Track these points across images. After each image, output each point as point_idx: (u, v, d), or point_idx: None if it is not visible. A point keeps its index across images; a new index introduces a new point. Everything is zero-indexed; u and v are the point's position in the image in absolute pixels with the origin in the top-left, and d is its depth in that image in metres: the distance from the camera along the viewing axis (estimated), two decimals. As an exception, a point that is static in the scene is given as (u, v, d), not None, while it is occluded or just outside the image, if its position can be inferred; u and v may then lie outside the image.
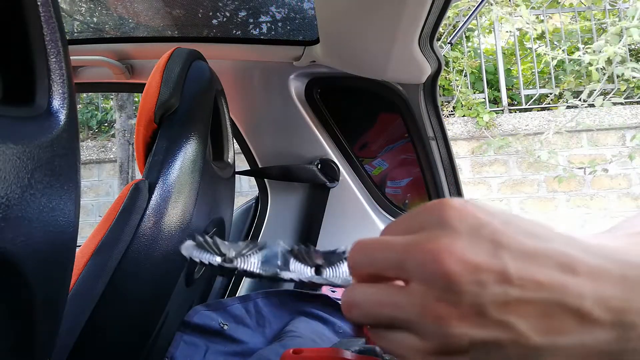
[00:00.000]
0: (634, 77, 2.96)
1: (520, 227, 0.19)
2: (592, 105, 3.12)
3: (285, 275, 0.25)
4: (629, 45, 3.00)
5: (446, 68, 3.36)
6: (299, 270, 0.25)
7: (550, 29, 3.50)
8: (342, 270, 0.26)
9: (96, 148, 3.52)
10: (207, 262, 0.25)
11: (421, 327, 0.18)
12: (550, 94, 3.34)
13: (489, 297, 0.17)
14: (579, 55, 3.06)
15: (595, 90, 3.02)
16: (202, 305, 0.77)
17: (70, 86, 0.32)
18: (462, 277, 0.17)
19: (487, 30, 3.63)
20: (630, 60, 3.04)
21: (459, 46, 3.51)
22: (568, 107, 3.22)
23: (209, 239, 0.25)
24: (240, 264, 0.25)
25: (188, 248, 0.26)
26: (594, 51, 3.03)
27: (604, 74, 3.04)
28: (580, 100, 3.10)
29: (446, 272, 0.18)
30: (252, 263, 0.25)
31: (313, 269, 0.26)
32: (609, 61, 2.95)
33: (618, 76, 3.09)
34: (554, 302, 0.17)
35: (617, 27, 2.88)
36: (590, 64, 3.00)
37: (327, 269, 0.26)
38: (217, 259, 0.25)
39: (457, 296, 0.17)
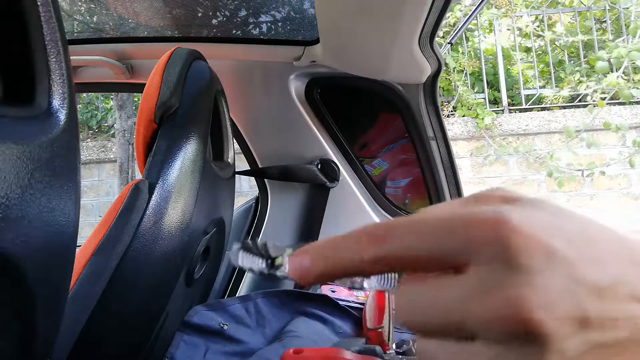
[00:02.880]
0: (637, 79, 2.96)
1: (586, 247, 0.17)
2: (589, 105, 3.12)
3: (341, 281, 0.24)
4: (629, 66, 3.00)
5: (446, 68, 3.36)
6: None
7: (549, 23, 3.50)
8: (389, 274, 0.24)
9: (96, 148, 3.52)
10: (257, 271, 0.24)
11: None
12: (550, 94, 3.34)
13: (572, 346, 0.15)
14: (584, 89, 3.06)
15: (598, 90, 3.02)
16: (202, 305, 0.77)
17: (70, 86, 0.32)
18: (549, 335, 0.15)
19: (487, 30, 3.63)
20: (636, 83, 3.03)
21: (459, 46, 3.51)
22: (568, 106, 3.22)
23: (258, 243, 0.24)
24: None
25: (234, 253, 0.24)
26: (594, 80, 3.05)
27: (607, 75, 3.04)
28: (581, 100, 3.10)
29: (533, 331, 0.15)
30: None
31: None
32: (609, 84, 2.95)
33: (623, 73, 3.08)
34: (629, 339, 0.16)
35: (618, 50, 2.87)
36: (593, 65, 3.01)
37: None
38: (267, 266, 0.24)
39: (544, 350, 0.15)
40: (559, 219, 0.17)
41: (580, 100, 3.22)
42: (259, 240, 0.25)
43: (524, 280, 0.15)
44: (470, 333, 0.16)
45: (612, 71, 2.95)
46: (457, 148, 3.23)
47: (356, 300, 0.83)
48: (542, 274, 0.16)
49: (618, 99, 3.13)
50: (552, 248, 0.16)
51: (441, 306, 0.17)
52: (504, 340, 0.16)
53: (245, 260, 0.23)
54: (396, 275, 0.24)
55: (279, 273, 0.23)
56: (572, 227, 0.17)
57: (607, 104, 3.13)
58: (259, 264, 0.23)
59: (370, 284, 0.23)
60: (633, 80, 3.03)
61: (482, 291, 0.16)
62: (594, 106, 3.09)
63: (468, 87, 3.39)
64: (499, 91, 3.44)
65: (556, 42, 3.43)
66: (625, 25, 3.12)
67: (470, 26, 3.48)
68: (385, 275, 0.23)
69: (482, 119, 3.17)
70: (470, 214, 0.17)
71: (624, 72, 2.91)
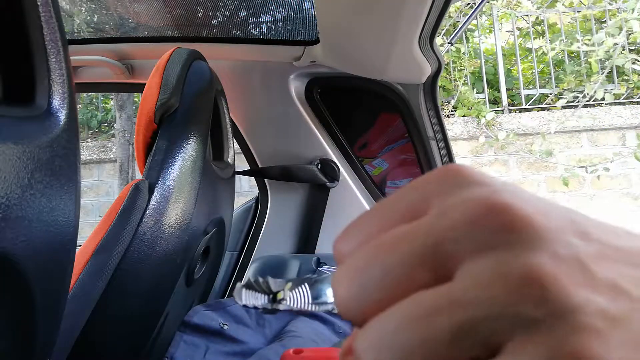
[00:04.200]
0: (634, 70, 2.96)
1: (587, 222, 0.14)
2: (592, 106, 3.12)
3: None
4: (628, 37, 3.00)
5: (446, 68, 3.36)
6: None
7: (549, 23, 3.50)
8: None
9: (96, 148, 3.52)
10: (260, 307, 0.24)
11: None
12: (550, 94, 3.34)
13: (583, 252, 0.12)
14: (578, 47, 3.06)
15: (595, 85, 3.02)
16: (202, 305, 0.77)
17: (70, 86, 0.32)
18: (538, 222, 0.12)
19: (488, 30, 3.63)
20: (630, 51, 3.04)
21: (459, 46, 3.51)
22: (568, 106, 3.22)
23: (259, 279, 0.25)
24: (292, 302, 0.24)
25: (238, 292, 0.25)
26: (593, 43, 3.04)
27: (603, 69, 3.04)
28: (581, 96, 3.10)
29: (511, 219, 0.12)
30: (304, 299, 0.24)
31: None
32: (608, 54, 2.95)
33: (618, 69, 3.08)
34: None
35: (617, 19, 2.88)
36: (589, 56, 3.01)
37: None
38: (269, 301, 0.24)
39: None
40: (548, 202, 0.14)
41: (580, 100, 3.23)
42: (259, 276, 0.26)
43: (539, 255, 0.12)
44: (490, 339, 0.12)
45: (615, 71, 2.95)
46: (457, 148, 3.23)
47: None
48: (547, 253, 0.12)
49: (618, 99, 3.13)
50: (555, 225, 0.13)
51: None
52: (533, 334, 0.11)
53: (248, 298, 0.24)
54: None
55: (281, 307, 0.23)
56: (564, 210, 0.14)
57: (607, 104, 3.13)
58: (262, 299, 0.24)
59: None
60: (633, 80, 3.04)
61: (447, 207, 0.13)
62: (597, 105, 3.09)
63: (468, 86, 3.40)
64: (499, 91, 3.45)
65: (556, 42, 3.42)
66: (626, 25, 3.12)
67: (470, 26, 3.48)
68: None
69: (484, 116, 3.17)
70: (452, 201, 0.14)
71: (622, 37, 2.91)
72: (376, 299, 0.14)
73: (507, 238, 0.12)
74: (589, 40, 3.08)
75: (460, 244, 0.13)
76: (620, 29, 2.87)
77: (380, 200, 0.16)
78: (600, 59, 2.97)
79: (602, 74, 3.02)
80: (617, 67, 2.97)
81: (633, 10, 2.84)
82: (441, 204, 0.14)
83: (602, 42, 2.92)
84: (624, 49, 2.91)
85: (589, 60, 3.05)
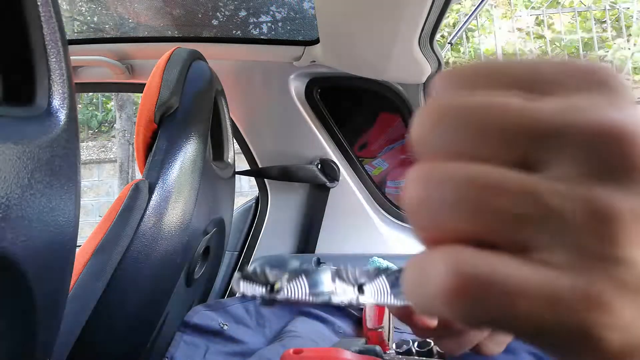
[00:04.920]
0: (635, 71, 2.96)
1: None
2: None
3: (335, 299, 0.24)
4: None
5: (446, 68, 3.35)
6: (344, 291, 0.24)
7: (550, 28, 3.50)
8: (383, 284, 0.24)
9: (96, 148, 3.53)
10: (258, 296, 0.24)
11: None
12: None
13: None
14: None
15: None
16: (202, 305, 0.77)
17: (70, 86, 0.32)
18: None
19: (487, 31, 3.63)
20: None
21: (459, 46, 3.51)
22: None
23: (257, 269, 0.25)
24: (289, 292, 0.24)
25: (236, 281, 0.25)
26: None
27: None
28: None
29: (630, 152, 0.11)
30: (302, 290, 0.25)
31: (356, 288, 0.25)
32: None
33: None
34: None
35: (620, 52, 2.87)
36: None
37: (369, 285, 0.24)
38: (266, 291, 0.24)
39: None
40: None
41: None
42: (258, 267, 0.26)
43: (626, 106, 0.12)
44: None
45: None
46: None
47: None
48: None
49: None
50: None
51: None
52: (589, 162, 0.11)
53: (246, 288, 0.24)
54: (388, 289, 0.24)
55: (278, 297, 0.24)
56: None
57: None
58: (260, 290, 0.24)
59: (366, 299, 0.23)
60: (634, 80, 3.04)
61: (573, 103, 0.12)
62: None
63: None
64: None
65: (556, 42, 3.42)
66: (626, 25, 3.12)
67: (470, 26, 3.48)
68: (379, 289, 0.23)
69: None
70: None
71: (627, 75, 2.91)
72: (457, 146, 0.13)
73: (616, 174, 0.11)
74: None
75: (569, 152, 0.11)
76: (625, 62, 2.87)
77: (509, 60, 0.14)
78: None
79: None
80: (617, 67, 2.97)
81: (637, 39, 2.82)
82: (576, 99, 0.12)
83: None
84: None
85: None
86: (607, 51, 2.97)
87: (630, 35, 2.96)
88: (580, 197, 0.11)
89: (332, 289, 0.24)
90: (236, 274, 0.26)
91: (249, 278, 0.24)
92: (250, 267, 0.25)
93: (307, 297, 0.24)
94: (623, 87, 0.12)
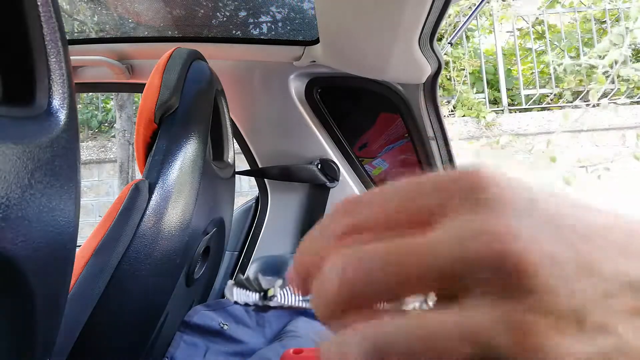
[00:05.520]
0: (637, 78, 2.96)
1: (564, 198, 0.15)
2: (594, 106, 3.12)
3: None
4: (631, 45, 3.00)
5: (446, 68, 3.36)
6: None
7: (549, 24, 3.50)
8: None
9: (96, 148, 3.52)
10: (251, 303, 0.24)
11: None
12: (550, 94, 3.34)
13: (580, 294, 0.13)
14: (585, 61, 3.05)
15: (599, 91, 3.02)
16: (202, 305, 0.77)
17: (70, 86, 0.32)
18: (544, 270, 0.13)
19: (488, 31, 3.63)
20: (632, 61, 3.04)
21: (459, 46, 3.51)
22: (568, 106, 3.22)
23: (250, 276, 0.25)
24: (283, 299, 0.24)
25: (229, 289, 0.25)
26: (599, 56, 3.03)
27: (607, 76, 3.04)
28: (582, 100, 3.10)
29: (525, 268, 0.12)
30: (294, 296, 0.25)
31: None
32: (611, 63, 2.95)
33: (619, 76, 3.09)
34: (633, 289, 0.13)
35: (621, 28, 2.87)
36: (594, 67, 3.01)
37: None
38: (259, 297, 0.24)
39: (549, 297, 0.12)
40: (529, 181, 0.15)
41: (581, 99, 3.23)
42: (251, 274, 0.26)
43: (504, 215, 0.13)
44: (454, 285, 0.13)
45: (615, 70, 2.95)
46: (457, 148, 3.23)
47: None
48: (524, 211, 0.14)
49: (618, 99, 3.13)
50: (529, 189, 0.14)
51: (413, 253, 0.13)
52: (498, 288, 0.13)
53: (239, 295, 0.24)
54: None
55: (272, 304, 0.24)
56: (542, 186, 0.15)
57: (608, 102, 3.13)
58: (253, 297, 0.24)
59: None
60: (633, 79, 3.04)
61: (462, 232, 0.13)
62: (597, 105, 3.08)
63: (468, 87, 3.40)
64: (498, 91, 3.45)
65: (555, 42, 3.42)
66: (626, 26, 3.12)
67: (470, 26, 3.48)
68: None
69: (484, 116, 3.17)
70: (437, 174, 0.15)
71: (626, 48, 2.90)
72: (363, 301, 0.14)
73: (512, 291, 0.13)
74: (593, 52, 3.08)
75: (467, 279, 0.13)
76: (623, 37, 2.86)
77: (391, 184, 0.16)
78: (605, 71, 2.96)
79: (606, 82, 3.01)
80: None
81: (637, 19, 2.83)
82: (456, 224, 0.14)
83: (605, 54, 2.91)
84: (625, 61, 2.90)
85: (594, 71, 3.04)
86: (607, 51, 2.97)
87: (627, 17, 2.96)
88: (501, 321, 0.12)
89: None
90: (229, 282, 0.26)
91: (242, 285, 0.24)
92: (243, 274, 0.25)
93: (300, 303, 0.24)
94: (497, 187, 0.14)
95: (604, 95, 3.10)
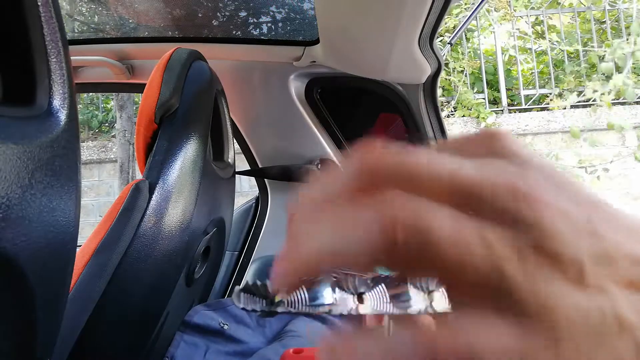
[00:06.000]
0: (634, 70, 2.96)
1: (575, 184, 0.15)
2: (589, 105, 3.12)
3: (335, 310, 0.24)
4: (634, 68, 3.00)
5: (446, 68, 3.36)
6: (344, 302, 0.24)
7: (548, 24, 3.50)
8: (382, 292, 0.24)
9: (97, 148, 3.53)
10: (258, 310, 0.24)
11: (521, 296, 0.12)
12: (550, 94, 3.34)
13: (585, 251, 0.13)
14: (589, 96, 3.05)
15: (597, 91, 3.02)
16: (203, 305, 0.77)
17: (71, 86, 0.32)
18: (554, 219, 0.13)
19: (488, 31, 3.63)
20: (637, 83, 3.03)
21: (459, 47, 3.51)
22: (568, 106, 3.22)
23: (257, 283, 0.25)
24: (289, 305, 0.24)
25: (237, 295, 0.25)
26: (599, 80, 3.03)
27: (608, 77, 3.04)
28: (581, 99, 3.10)
29: (539, 208, 0.13)
30: (301, 302, 0.24)
31: (356, 297, 0.24)
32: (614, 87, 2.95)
33: (618, 69, 3.08)
34: (633, 262, 0.13)
35: (621, 52, 2.86)
36: (594, 67, 3.01)
37: (368, 294, 0.24)
38: (266, 304, 0.24)
39: (556, 243, 0.13)
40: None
41: (580, 101, 3.23)
42: (257, 279, 0.26)
43: (521, 172, 0.14)
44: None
45: (616, 72, 2.94)
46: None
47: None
48: (540, 176, 0.14)
49: (618, 99, 3.13)
50: (547, 164, 0.15)
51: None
52: (508, 218, 0.13)
53: (246, 301, 0.24)
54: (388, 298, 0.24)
55: (279, 309, 0.24)
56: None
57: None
58: (260, 303, 0.24)
59: (366, 309, 0.23)
60: (633, 80, 3.04)
61: (487, 167, 0.14)
62: (598, 106, 3.08)
63: (468, 87, 3.40)
64: (498, 91, 3.45)
65: (555, 43, 3.43)
66: (625, 26, 3.12)
67: (470, 27, 3.48)
68: (379, 297, 0.23)
69: (485, 118, 3.17)
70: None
71: (628, 73, 2.91)
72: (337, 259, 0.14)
73: (522, 226, 0.13)
74: (591, 61, 3.07)
75: (482, 204, 0.13)
76: (625, 59, 2.86)
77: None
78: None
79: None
80: (618, 67, 2.96)
81: (637, 37, 2.82)
82: (475, 163, 0.14)
83: (610, 74, 2.91)
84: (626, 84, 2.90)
85: (593, 70, 3.03)
86: (606, 50, 2.97)
87: (629, 34, 2.96)
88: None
89: (332, 300, 0.24)
90: (236, 288, 0.25)
91: (249, 291, 0.24)
92: (251, 277, 0.25)
93: (307, 309, 0.23)
94: (516, 146, 0.15)
95: (607, 94, 3.09)
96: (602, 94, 3.01)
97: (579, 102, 3.21)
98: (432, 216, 0.13)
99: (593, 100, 3.09)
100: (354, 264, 0.14)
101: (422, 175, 0.14)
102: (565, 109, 3.20)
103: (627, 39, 2.95)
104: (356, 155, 0.15)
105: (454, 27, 3.19)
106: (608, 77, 3.01)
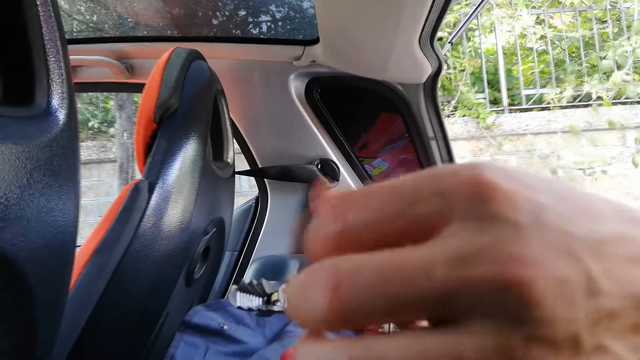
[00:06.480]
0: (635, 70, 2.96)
1: (576, 202, 0.14)
2: (590, 105, 3.12)
3: None
4: (635, 67, 3.00)
5: (447, 68, 3.36)
6: None
7: (550, 28, 3.50)
8: None
9: (96, 148, 3.53)
10: (255, 308, 0.24)
11: None
12: (551, 93, 3.34)
13: (582, 318, 0.12)
14: (589, 89, 3.04)
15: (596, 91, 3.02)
16: (202, 305, 0.77)
17: (70, 86, 0.32)
18: (548, 300, 0.12)
19: (488, 30, 3.63)
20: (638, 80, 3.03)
21: (460, 46, 3.51)
22: (568, 106, 3.22)
23: (253, 281, 0.25)
24: (286, 303, 0.24)
25: (233, 294, 0.25)
26: (597, 76, 3.03)
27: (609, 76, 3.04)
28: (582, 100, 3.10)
29: (528, 298, 0.12)
30: None
31: None
32: (614, 84, 2.95)
33: (618, 67, 3.08)
34: (636, 305, 0.13)
35: (622, 49, 2.86)
36: (595, 70, 3.01)
37: None
38: (263, 302, 0.24)
39: (548, 328, 0.12)
40: (539, 179, 0.14)
41: (581, 100, 3.22)
42: (254, 278, 0.25)
43: (511, 235, 0.12)
44: (448, 310, 0.12)
45: (616, 69, 2.94)
46: (457, 148, 3.23)
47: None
48: (531, 229, 0.13)
49: (619, 99, 3.13)
50: (538, 201, 0.13)
51: (407, 275, 0.13)
52: (506, 318, 0.12)
53: (243, 300, 0.24)
54: None
55: (275, 308, 0.23)
56: (556, 186, 0.14)
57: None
58: (257, 302, 0.24)
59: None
60: (634, 79, 3.03)
61: (463, 251, 0.12)
62: (598, 105, 3.08)
63: (469, 86, 3.40)
64: (499, 91, 3.45)
65: (556, 42, 3.42)
66: (627, 25, 3.12)
67: (470, 26, 3.48)
68: None
69: (484, 118, 3.17)
70: (439, 171, 0.14)
71: (628, 71, 2.90)
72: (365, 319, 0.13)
73: (512, 320, 0.12)
74: (592, 61, 3.07)
75: (465, 304, 0.13)
76: (626, 58, 2.86)
77: (386, 182, 0.15)
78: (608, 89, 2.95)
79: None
80: (618, 65, 2.96)
81: (638, 32, 2.82)
82: (457, 240, 0.13)
83: (610, 71, 2.90)
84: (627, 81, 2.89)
85: (594, 70, 3.03)
86: (607, 52, 2.97)
87: (630, 32, 2.95)
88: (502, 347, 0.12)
89: None
90: (233, 287, 0.25)
91: (246, 290, 0.24)
92: (251, 277, 0.25)
93: None
94: (501, 191, 0.13)
95: (608, 91, 3.09)
96: (602, 93, 3.01)
97: (579, 101, 3.21)
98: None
99: (594, 100, 3.09)
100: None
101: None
102: (565, 108, 3.19)
103: (628, 37, 2.95)
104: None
105: (454, 24, 3.19)
106: (608, 75, 3.01)
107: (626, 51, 2.86)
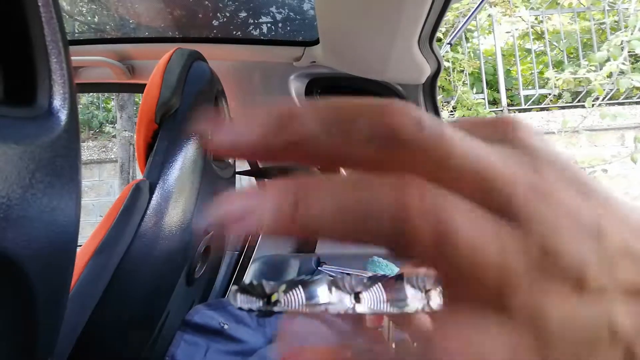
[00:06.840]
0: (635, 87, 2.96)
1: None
2: (583, 106, 3.12)
3: (332, 309, 0.24)
4: (629, 58, 3.00)
5: (446, 68, 3.36)
6: (340, 301, 0.24)
7: (549, 29, 3.50)
8: (379, 292, 0.24)
9: (97, 148, 3.53)
10: (255, 309, 0.24)
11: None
12: (549, 94, 3.34)
13: (591, 259, 0.13)
14: (584, 74, 3.05)
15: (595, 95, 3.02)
16: (203, 305, 0.77)
17: (71, 86, 0.32)
18: (561, 231, 0.12)
19: (487, 31, 3.63)
20: (632, 71, 3.03)
21: (459, 47, 3.51)
22: (567, 106, 3.22)
23: (253, 282, 0.25)
24: (286, 304, 0.24)
25: (233, 295, 0.25)
26: (594, 68, 3.03)
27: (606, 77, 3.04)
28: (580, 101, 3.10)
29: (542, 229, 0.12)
30: (298, 302, 0.24)
31: (353, 297, 0.24)
32: (609, 74, 2.95)
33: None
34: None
35: (618, 39, 2.86)
36: (589, 80, 3.02)
37: (365, 293, 0.24)
38: (263, 303, 0.24)
39: (556, 259, 0.12)
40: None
41: (579, 100, 3.23)
42: (254, 279, 0.26)
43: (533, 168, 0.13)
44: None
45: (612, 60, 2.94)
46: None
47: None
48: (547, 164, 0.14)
49: (617, 99, 3.13)
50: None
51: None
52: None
53: (243, 301, 0.24)
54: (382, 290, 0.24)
55: (276, 309, 0.24)
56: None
57: (606, 104, 3.13)
58: (257, 303, 0.24)
59: (363, 308, 0.23)
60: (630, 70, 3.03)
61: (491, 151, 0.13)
62: (593, 101, 3.07)
63: (468, 87, 3.40)
64: (498, 91, 3.45)
65: (555, 43, 3.43)
66: (624, 26, 3.12)
67: (469, 27, 3.49)
68: (376, 296, 0.23)
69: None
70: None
71: (624, 61, 2.90)
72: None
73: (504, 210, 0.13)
74: (589, 59, 3.08)
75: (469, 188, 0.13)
76: (622, 49, 2.86)
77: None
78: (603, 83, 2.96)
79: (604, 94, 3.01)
80: (614, 57, 2.96)
81: (634, 28, 2.82)
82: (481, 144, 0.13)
83: (604, 64, 2.90)
84: (623, 72, 2.90)
85: (592, 82, 3.04)
86: (606, 61, 2.96)
87: (627, 26, 2.95)
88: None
89: (329, 299, 0.24)
90: (232, 288, 0.25)
91: (246, 291, 0.24)
92: (252, 276, 0.25)
93: (304, 309, 0.24)
94: (532, 137, 0.14)
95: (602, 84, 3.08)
96: (602, 84, 3.00)
97: (578, 101, 3.21)
98: (454, 210, 0.12)
99: (593, 100, 3.09)
100: (360, 233, 0.12)
101: (451, 159, 0.13)
102: (564, 108, 3.20)
103: (625, 26, 2.95)
104: (376, 109, 0.13)
105: (452, 25, 3.19)
106: (602, 66, 3.01)
107: (621, 41, 2.86)
